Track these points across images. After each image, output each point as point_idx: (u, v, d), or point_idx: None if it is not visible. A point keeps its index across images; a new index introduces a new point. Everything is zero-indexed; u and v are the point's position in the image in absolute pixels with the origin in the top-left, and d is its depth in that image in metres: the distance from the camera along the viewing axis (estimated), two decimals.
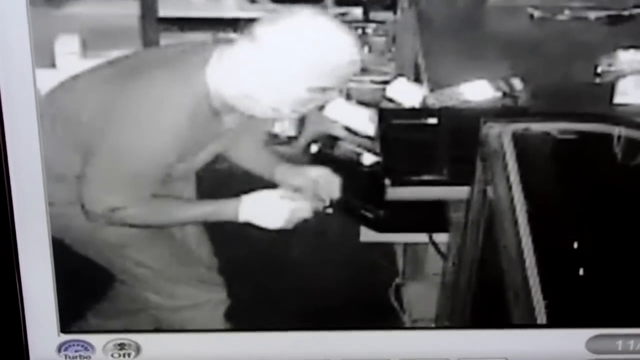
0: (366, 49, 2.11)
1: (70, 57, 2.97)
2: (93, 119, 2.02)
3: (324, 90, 1.99)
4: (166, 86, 2.00)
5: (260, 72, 1.95)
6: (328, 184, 2.17)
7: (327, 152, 2.24)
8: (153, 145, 1.99)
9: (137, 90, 2.02)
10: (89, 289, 2.34)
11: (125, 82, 2.06)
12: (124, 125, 1.99)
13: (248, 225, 2.20)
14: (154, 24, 3.11)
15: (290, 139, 2.27)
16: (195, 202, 2.14)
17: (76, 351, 1.86)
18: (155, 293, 2.26)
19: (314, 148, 2.27)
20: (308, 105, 2.03)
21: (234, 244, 2.37)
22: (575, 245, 1.71)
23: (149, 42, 2.56)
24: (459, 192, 2.01)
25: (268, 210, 2.11)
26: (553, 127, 1.94)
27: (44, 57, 2.89)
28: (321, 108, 2.37)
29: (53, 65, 2.98)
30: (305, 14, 1.97)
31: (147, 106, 1.99)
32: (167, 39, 2.32)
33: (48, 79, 2.89)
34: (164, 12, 3.14)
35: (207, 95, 1.98)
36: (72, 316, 1.89)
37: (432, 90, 2.29)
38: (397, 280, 2.58)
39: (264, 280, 2.33)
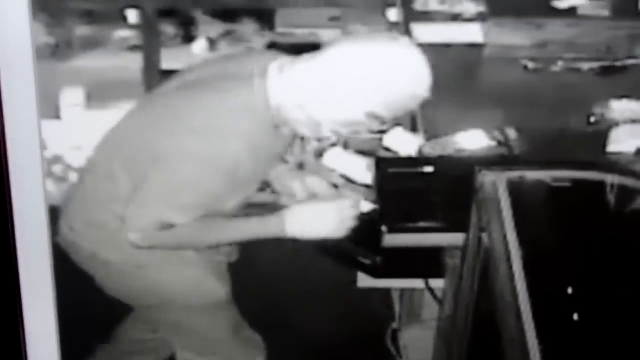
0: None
1: (75, 109, 3.03)
2: (157, 136, 1.98)
3: (376, 118, 1.96)
4: (232, 97, 1.97)
5: (326, 87, 1.93)
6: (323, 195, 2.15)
7: None
8: (227, 157, 1.94)
9: (203, 102, 1.98)
10: (92, 338, 2.36)
11: (191, 93, 2.01)
12: (189, 142, 1.94)
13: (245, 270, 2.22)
14: (156, 76, 3.18)
15: None
16: (239, 221, 2.07)
17: None
18: (192, 352, 2.24)
19: None
20: (351, 129, 2.00)
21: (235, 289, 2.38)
22: (570, 290, 1.71)
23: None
24: (455, 238, 2.01)
25: (313, 221, 2.04)
26: (547, 175, 1.95)
27: (49, 108, 2.94)
28: (319, 156, 2.40)
29: (58, 116, 3.04)
30: (397, 43, 1.97)
31: (215, 121, 1.94)
32: None
33: (53, 130, 2.93)
34: (166, 64, 3.21)
35: (268, 105, 1.95)
36: None
37: (428, 139, 2.33)
38: (394, 325, 2.59)
39: (262, 328, 2.34)
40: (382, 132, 2.41)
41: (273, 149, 2.04)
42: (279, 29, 3.20)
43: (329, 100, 1.94)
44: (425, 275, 2.16)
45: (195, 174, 1.94)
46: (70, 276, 2.12)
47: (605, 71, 2.61)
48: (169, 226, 1.95)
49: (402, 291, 2.48)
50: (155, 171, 1.95)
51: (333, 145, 2.43)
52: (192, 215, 1.95)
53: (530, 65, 2.64)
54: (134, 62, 3.07)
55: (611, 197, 1.94)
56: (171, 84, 2.10)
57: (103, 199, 2.06)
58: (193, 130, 1.94)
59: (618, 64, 2.62)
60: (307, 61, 1.96)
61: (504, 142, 2.23)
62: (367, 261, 2.11)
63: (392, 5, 2.92)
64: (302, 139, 2.59)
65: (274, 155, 2.08)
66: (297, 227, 2.01)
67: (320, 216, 2.03)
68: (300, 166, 2.33)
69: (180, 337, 2.23)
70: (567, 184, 1.95)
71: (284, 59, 1.99)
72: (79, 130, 2.95)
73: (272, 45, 3.09)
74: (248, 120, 1.94)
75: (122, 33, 3.16)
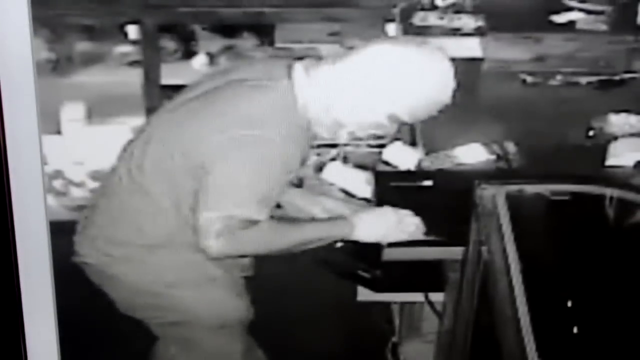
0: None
1: (76, 124, 3.04)
2: (197, 141, 1.95)
3: (398, 121, 1.98)
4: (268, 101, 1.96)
5: (352, 87, 1.94)
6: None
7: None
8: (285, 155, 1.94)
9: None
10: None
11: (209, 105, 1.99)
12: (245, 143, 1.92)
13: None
14: (156, 91, 3.19)
15: None
16: (311, 222, 2.10)
17: None
18: None
19: None
20: (370, 132, 2.02)
21: None
22: (569, 303, 1.72)
23: (152, 108, 2.62)
24: (454, 252, 2.02)
25: (378, 225, 2.06)
26: (546, 189, 1.96)
27: (50, 124, 2.96)
28: (319, 170, 2.41)
29: (59, 131, 3.06)
30: (425, 48, 1.98)
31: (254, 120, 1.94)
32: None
33: (54, 145, 2.95)
34: (165, 79, 3.22)
35: (296, 105, 1.96)
36: None
37: (427, 153, 2.34)
38: (394, 338, 2.59)
39: (262, 341, 2.33)
40: (382, 146, 2.42)
41: (305, 148, 2.04)
42: (279, 44, 3.21)
43: (353, 101, 1.95)
44: (425, 289, 2.17)
45: (255, 166, 1.92)
46: (72, 290, 2.12)
47: (604, 85, 2.62)
48: (249, 224, 1.92)
49: (402, 305, 2.48)
50: (211, 174, 1.92)
51: (332, 159, 2.44)
52: (264, 209, 1.93)
53: (529, 79, 2.65)
54: (135, 78, 3.08)
55: (610, 211, 1.95)
56: (183, 96, 2.07)
57: (130, 216, 2.04)
58: (240, 125, 1.92)
59: (616, 78, 2.63)
60: (333, 62, 1.97)
61: (503, 156, 2.24)
62: (367, 275, 2.12)
63: (392, 20, 2.93)
64: None
65: (305, 155, 2.07)
66: (365, 231, 2.03)
67: (383, 221, 2.05)
68: (300, 181, 2.34)
69: (190, 355, 2.21)
70: (566, 197, 1.96)
71: (308, 61, 2.00)
72: (80, 145, 2.96)
73: None
74: (286, 117, 1.95)
75: (123, 49, 3.18)
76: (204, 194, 1.92)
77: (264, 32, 3.24)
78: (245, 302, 2.16)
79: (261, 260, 2.15)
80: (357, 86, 1.94)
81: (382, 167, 2.38)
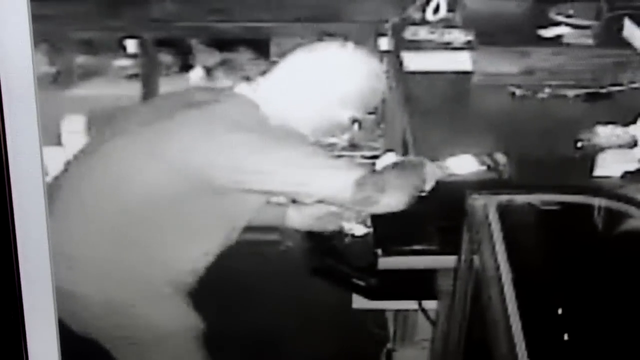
0: (356, 126, 2.19)
1: (76, 136, 3.06)
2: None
3: (354, 121, 2.11)
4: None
5: (296, 97, 2.06)
6: None
7: None
8: None
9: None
10: None
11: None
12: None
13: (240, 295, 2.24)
14: None
15: None
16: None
17: None
18: None
19: None
20: (330, 132, 2.15)
21: (225, 311, 2.41)
22: (560, 311, 1.74)
23: None
24: (447, 261, 2.05)
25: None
26: (536, 199, 1.98)
27: (51, 135, 2.98)
28: None
29: (59, 143, 3.08)
30: (348, 48, 2.12)
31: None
32: None
33: (54, 156, 2.97)
34: (164, 91, 3.25)
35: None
36: None
37: None
38: (389, 345, 2.62)
39: (258, 348, 2.35)
40: (375, 157, 2.46)
41: None
42: (274, 57, 3.25)
43: (305, 112, 2.06)
44: (419, 296, 2.21)
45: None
46: None
47: (591, 98, 2.64)
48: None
49: (397, 312, 2.51)
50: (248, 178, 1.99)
51: None
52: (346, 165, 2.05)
53: (518, 92, 2.67)
54: (133, 91, 3.11)
55: (598, 220, 1.98)
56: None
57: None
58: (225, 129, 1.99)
59: (603, 90, 2.66)
60: (269, 79, 2.08)
61: (493, 167, 2.26)
62: (362, 283, 2.15)
63: (384, 34, 2.98)
64: None
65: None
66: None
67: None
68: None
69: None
70: (555, 207, 1.98)
71: (252, 83, 2.09)
72: None
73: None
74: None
75: (122, 62, 3.20)
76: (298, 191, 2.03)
77: (260, 46, 3.28)
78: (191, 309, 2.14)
79: (255, 269, 2.17)
80: (297, 95, 2.06)
81: None
